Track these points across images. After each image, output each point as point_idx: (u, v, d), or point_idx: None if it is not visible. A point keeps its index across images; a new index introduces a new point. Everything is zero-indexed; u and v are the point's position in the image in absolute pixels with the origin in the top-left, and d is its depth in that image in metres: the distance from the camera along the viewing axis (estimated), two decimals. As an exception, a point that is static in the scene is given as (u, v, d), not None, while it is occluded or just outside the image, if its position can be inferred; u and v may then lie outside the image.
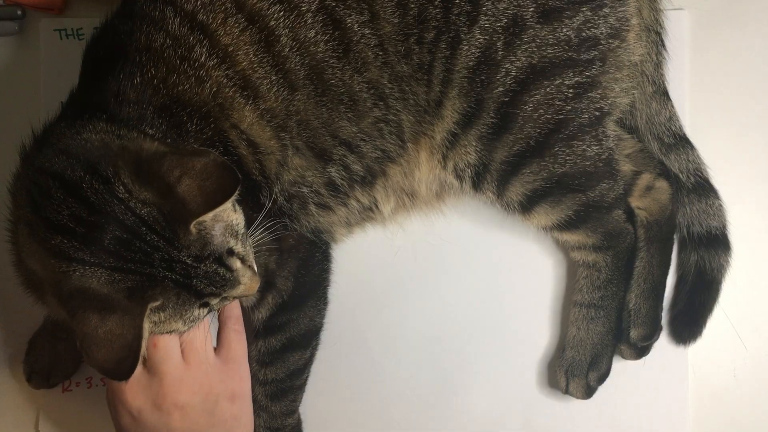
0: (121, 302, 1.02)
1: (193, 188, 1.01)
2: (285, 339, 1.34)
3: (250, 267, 1.12)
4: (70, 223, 1.03)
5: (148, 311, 1.03)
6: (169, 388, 1.17)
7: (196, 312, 1.09)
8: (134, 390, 1.17)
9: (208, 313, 1.12)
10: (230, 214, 1.08)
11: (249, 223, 1.16)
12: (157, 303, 1.04)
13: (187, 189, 1.01)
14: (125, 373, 1.04)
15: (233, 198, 1.05)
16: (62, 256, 1.03)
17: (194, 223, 1.03)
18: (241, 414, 1.26)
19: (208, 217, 1.04)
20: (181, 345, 1.19)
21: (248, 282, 1.11)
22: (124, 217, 1.02)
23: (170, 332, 1.10)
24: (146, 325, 1.04)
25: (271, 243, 1.26)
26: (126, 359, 1.02)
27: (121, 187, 1.02)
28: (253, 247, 1.17)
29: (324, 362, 1.42)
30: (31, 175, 1.10)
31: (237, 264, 1.09)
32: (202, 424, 1.20)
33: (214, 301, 1.10)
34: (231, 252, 1.08)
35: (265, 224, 1.19)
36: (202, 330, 1.19)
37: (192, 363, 1.19)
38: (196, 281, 1.05)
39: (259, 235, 1.19)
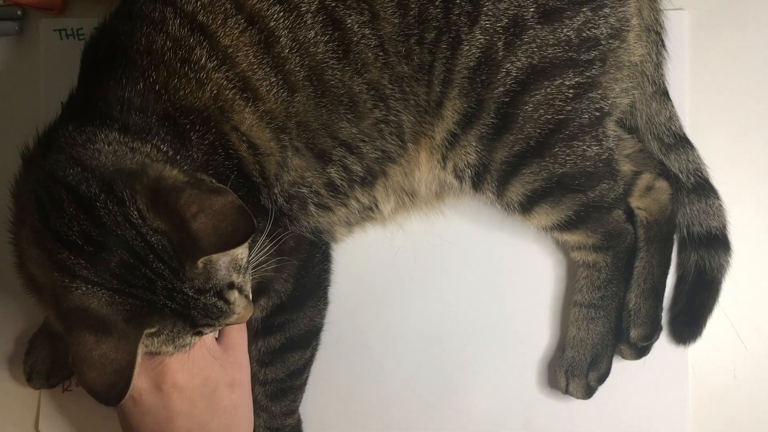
0: (119, 325, 1.02)
1: (207, 227, 1.00)
2: (285, 339, 1.35)
3: (246, 296, 1.13)
4: (78, 240, 1.03)
5: (143, 336, 1.04)
6: (169, 368, 1.17)
7: (188, 339, 1.10)
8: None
9: (198, 340, 1.13)
10: (237, 250, 1.09)
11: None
12: (153, 330, 1.05)
13: (202, 227, 1.00)
14: (115, 399, 1.03)
15: (246, 243, 1.06)
16: (67, 271, 1.03)
17: (203, 258, 1.03)
18: (241, 403, 1.26)
19: (216, 255, 1.05)
20: None
21: (242, 312, 1.11)
22: (133, 242, 1.02)
23: (158, 353, 1.11)
24: (140, 351, 1.04)
25: (271, 245, 1.26)
26: (116, 385, 1.02)
27: (135, 212, 1.02)
28: (256, 253, 1.18)
29: (324, 362, 1.42)
30: (42, 181, 1.09)
31: (234, 295, 1.09)
32: (202, 408, 1.20)
33: (207, 330, 1.11)
34: (231, 285, 1.08)
35: (273, 234, 1.20)
36: None
37: (193, 345, 1.18)
38: (194, 312, 1.06)
39: (261, 245, 1.19)
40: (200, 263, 1.03)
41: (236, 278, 1.09)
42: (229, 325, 1.13)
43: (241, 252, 1.10)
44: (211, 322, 1.09)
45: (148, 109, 1.16)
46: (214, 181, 1.11)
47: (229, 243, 1.02)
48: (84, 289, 1.02)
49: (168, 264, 1.02)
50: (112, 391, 1.02)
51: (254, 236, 1.18)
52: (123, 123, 1.14)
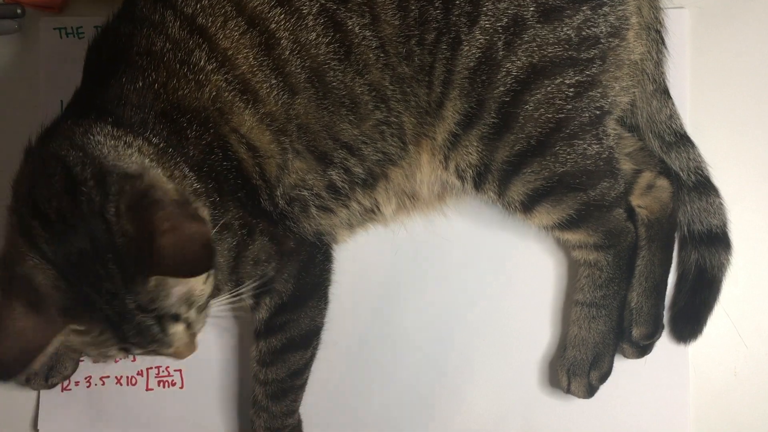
0: (50, 309, 1.02)
1: (170, 248, 0.99)
2: (286, 339, 1.34)
3: (192, 335, 1.12)
4: (52, 215, 1.03)
5: (68, 329, 1.03)
6: None
7: (113, 352, 1.08)
8: None
9: (125, 356, 1.12)
10: (196, 285, 1.08)
11: (250, 229, 1.17)
12: (81, 328, 1.04)
13: (166, 245, 0.99)
14: (6, 376, 1.03)
15: (200, 278, 1.05)
16: (29, 239, 1.04)
17: (156, 277, 1.02)
18: None
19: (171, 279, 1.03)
20: None
21: (181, 348, 1.11)
22: (100, 235, 1.02)
23: (78, 352, 1.11)
24: (56, 341, 1.03)
25: (271, 247, 1.27)
26: (17, 362, 1.02)
27: (113, 209, 1.02)
28: (255, 254, 1.17)
29: (324, 362, 1.41)
30: (43, 156, 1.10)
31: (176, 329, 1.08)
32: None
33: (136, 350, 1.09)
34: (176, 317, 1.07)
35: (273, 235, 1.20)
36: None
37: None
38: (126, 327, 1.05)
39: (262, 245, 1.18)
40: (153, 281, 1.02)
41: (184, 312, 1.08)
42: (162, 355, 1.12)
43: (201, 288, 1.09)
44: (142, 344, 1.07)
45: (145, 106, 1.17)
46: (200, 208, 1.11)
47: (183, 270, 1.02)
48: (37, 261, 1.02)
49: (122, 269, 1.02)
50: (10, 367, 1.02)
51: (251, 220, 1.20)
52: (117, 117, 1.15)
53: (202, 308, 1.11)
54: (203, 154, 1.19)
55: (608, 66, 1.28)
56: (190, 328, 1.10)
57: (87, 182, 1.04)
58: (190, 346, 1.12)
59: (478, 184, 1.32)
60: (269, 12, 1.20)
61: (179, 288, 1.05)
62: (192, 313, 1.09)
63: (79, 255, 1.02)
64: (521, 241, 1.45)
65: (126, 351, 1.09)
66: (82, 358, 1.45)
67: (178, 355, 1.12)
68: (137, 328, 1.05)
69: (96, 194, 1.03)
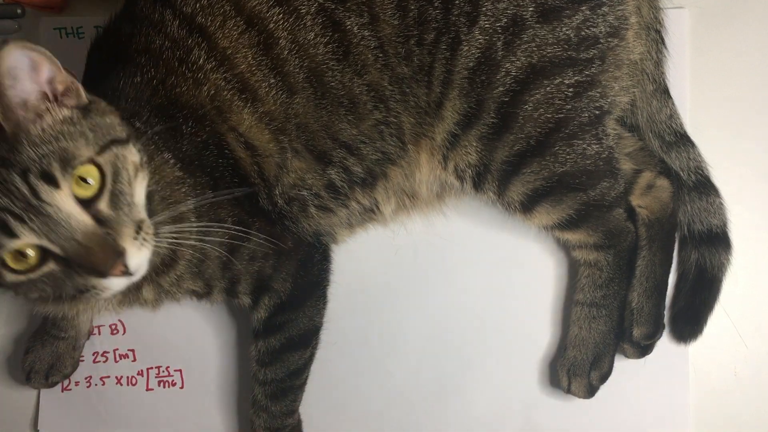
0: None
1: None
2: (284, 339, 1.34)
3: (109, 236, 1.00)
4: None
5: None
6: None
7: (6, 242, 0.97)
8: None
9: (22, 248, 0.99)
10: (72, 140, 1.00)
11: (245, 227, 1.17)
12: None
13: None
14: None
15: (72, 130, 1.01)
16: None
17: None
18: None
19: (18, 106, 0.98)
20: None
21: (90, 243, 0.99)
22: None
23: None
24: None
25: (268, 246, 1.27)
26: None
27: None
28: (251, 250, 1.16)
29: (324, 362, 1.41)
30: None
31: (55, 196, 0.97)
32: None
33: (19, 228, 0.97)
34: (49, 178, 0.97)
35: (271, 235, 1.19)
36: None
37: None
38: None
39: (257, 242, 1.18)
40: (6, 126, 0.97)
41: (59, 173, 0.97)
42: (84, 268, 1.00)
43: (84, 153, 1.00)
44: (18, 213, 0.96)
45: (142, 100, 1.18)
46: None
47: None
48: None
49: None
50: None
51: (248, 219, 1.20)
52: (108, 102, 1.12)
53: (122, 204, 1.02)
54: (197, 150, 1.20)
55: (607, 66, 1.28)
56: (104, 225, 1.00)
57: None
58: (107, 248, 0.99)
59: (478, 184, 1.32)
60: (268, 11, 1.20)
61: (46, 141, 0.98)
62: (104, 207, 1.00)
63: None
64: (521, 241, 1.45)
65: (10, 232, 0.97)
66: (81, 358, 1.45)
67: (92, 258, 0.99)
68: (2, 185, 0.96)
69: None
